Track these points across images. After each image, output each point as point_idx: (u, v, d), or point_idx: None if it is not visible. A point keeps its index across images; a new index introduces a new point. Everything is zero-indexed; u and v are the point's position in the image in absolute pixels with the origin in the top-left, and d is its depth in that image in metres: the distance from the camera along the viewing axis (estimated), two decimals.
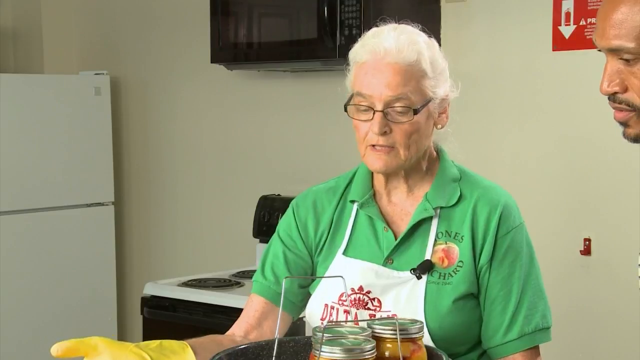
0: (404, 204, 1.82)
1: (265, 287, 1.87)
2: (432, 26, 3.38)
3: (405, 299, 1.74)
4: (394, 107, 1.72)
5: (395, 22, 1.81)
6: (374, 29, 1.79)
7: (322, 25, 3.35)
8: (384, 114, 1.72)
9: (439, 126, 1.80)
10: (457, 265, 1.75)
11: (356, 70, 1.78)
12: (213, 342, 1.71)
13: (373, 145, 1.75)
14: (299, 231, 1.89)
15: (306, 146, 3.89)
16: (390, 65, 1.72)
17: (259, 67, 3.86)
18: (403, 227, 1.80)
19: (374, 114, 1.72)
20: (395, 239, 1.79)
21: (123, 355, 1.48)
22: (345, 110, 1.78)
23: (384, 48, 1.73)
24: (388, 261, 1.78)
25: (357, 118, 1.76)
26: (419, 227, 1.78)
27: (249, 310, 1.88)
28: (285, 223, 1.92)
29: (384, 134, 1.72)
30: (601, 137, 3.13)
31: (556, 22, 3.20)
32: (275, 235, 1.93)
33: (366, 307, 1.76)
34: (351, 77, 1.80)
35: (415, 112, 1.72)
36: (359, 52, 1.77)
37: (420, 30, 1.81)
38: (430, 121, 1.77)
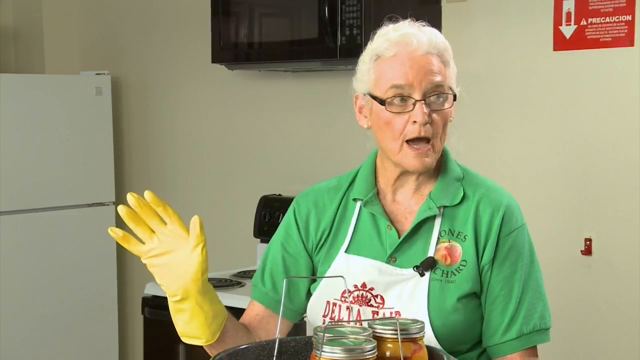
0: (409, 202, 1.83)
1: (263, 294, 1.89)
2: (432, 26, 3.38)
3: (408, 296, 1.75)
4: (433, 95, 1.73)
5: (402, 20, 1.81)
6: (390, 25, 1.79)
7: (322, 25, 3.35)
8: (426, 103, 1.72)
9: (451, 119, 1.80)
10: (461, 264, 1.76)
11: (381, 65, 1.75)
12: (244, 327, 1.82)
13: (408, 142, 1.73)
14: (299, 230, 1.89)
15: (307, 146, 3.89)
16: (425, 56, 1.73)
17: (260, 67, 3.86)
18: (406, 226, 1.80)
19: (414, 104, 1.72)
20: (399, 237, 1.79)
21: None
22: (383, 103, 1.74)
23: (417, 39, 1.73)
24: (391, 259, 1.79)
25: (395, 111, 1.73)
26: (422, 225, 1.79)
27: (250, 313, 1.90)
28: (286, 222, 1.92)
29: (425, 123, 1.72)
30: (602, 137, 3.13)
31: (557, 22, 3.20)
32: (275, 236, 1.93)
33: (369, 303, 1.77)
34: (371, 74, 1.76)
35: (455, 97, 1.75)
36: (384, 45, 1.75)
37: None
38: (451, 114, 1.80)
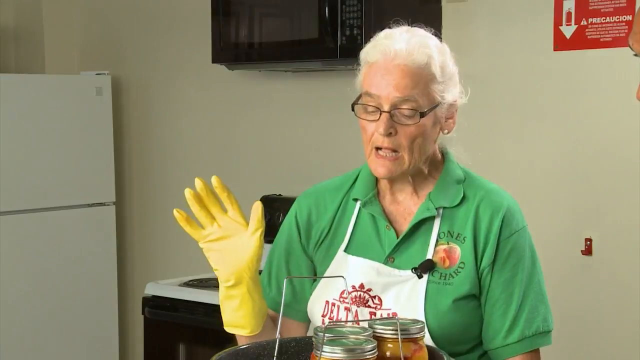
0: (408, 203, 1.83)
1: (270, 299, 1.90)
2: (432, 27, 3.38)
3: (405, 297, 1.75)
4: (401, 108, 1.72)
5: (408, 25, 1.81)
6: (386, 30, 1.79)
7: (323, 25, 3.35)
8: (391, 115, 1.72)
9: (446, 131, 1.80)
10: (459, 267, 1.76)
11: (366, 70, 1.77)
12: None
13: (377, 149, 1.75)
14: (299, 233, 1.90)
15: (307, 146, 3.89)
16: (400, 67, 1.71)
17: (260, 67, 3.86)
18: (405, 226, 1.80)
19: (380, 114, 1.72)
20: (397, 238, 1.79)
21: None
22: (353, 109, 1.77)
23: (395, 50, 1.72)
24: (389, 259, 1.79)
25: (364, 118, 1.76)
26: (421, 226, 1.79)
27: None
28: (287, 224, 1.93)
29: (389, 135, 1.72)
30: (602, 137, 3.14)
31: (557, 22, 3.20)
32: (278, 238, 1.94)
33: (367, 304, 1.77)
34: (361, 76, 1.79)
35: (422, 115, 1.72)
36: (370, 52, 1.76)
37: (432, 34, 1.80)
38: (436, 126, 1.77)
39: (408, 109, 1.71)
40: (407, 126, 1.72)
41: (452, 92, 1.77)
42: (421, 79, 1.72)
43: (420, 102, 1.72)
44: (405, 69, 1.71)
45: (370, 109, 1.74)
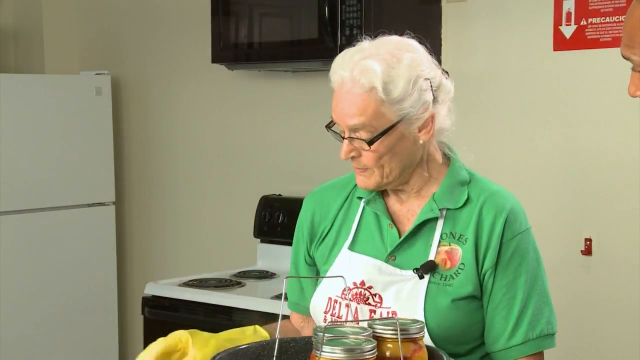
0: (412, 203, 1.83)
1: (293, 305, 1.97)
2: (432, 27, 3.38)
3: (406, 296, 1.75)
4: (356, 135, 1.73)
5: (371, 37, 1.78)
6: (343, 52, 1.77)
7: (323, 25, 3.35)
8: (350, 139, 1.74)
9: (421, 141, 1.77)
10: (459, 268, 1.76)
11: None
12: (284, 326, 1.87)
13: None
14: (302, 233, 1.94)
15: (307, 146, 3.89)
16: (348, 95, 1.72)
17: (260, 67, 3.86)
18: (408, 226, 1.81)
19: (343, 138, 1.75)
20: (400, 237, 1.80)
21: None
22: (327, 130, 1.80)
23: (342, 77, 1.73)
24: (390, 257, 1.79)
25: (338, 139, 1.78)
26: (423, 226, 1.79)
27: (292, 320, 1.99)
28: (297, 224, 1.97)
29: (352, 158, 1.76)
30: (602, 137, 3.14)
31: (557, 22, 3.20)
32: (294, 240, 1.98)
33: (367, 302, 1.78)
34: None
35: (371, 142, 1.72)
36: (331, 77, 1.77)
37: (409, 38, 1.78)
38: (404, 141, 1.75)
39: (359, 137, 1.73)
40: (365, 150, 1.74)
41: (416, 105, 1.73)
42: (369, 104, 1.71)
43: (375, 125, 1.72)
44: (353, 97, 1.71)
45: (337, 132, 1.77)
